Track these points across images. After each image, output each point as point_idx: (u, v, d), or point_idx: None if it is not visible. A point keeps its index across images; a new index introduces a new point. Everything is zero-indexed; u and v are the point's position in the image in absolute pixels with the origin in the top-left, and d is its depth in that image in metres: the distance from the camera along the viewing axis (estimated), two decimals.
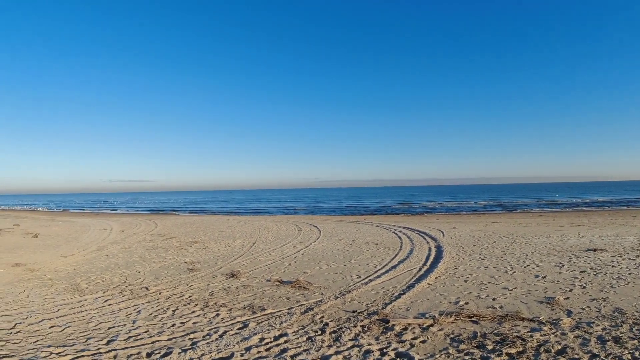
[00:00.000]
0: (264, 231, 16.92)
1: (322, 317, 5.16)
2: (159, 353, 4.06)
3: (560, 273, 7.57)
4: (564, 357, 3.84)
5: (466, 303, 5.66)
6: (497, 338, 4.24)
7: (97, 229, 20.47)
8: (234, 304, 5.86)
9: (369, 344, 4.18)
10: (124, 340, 4.48)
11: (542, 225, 18.14)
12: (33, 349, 4.20)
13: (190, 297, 6.39)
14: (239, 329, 4.78)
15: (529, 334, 4.37)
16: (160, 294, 6.66)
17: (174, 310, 5.59)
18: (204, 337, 4.50)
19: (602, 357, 3.79)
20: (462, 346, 4.09)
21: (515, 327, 4.60)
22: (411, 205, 51.12)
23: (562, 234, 13.97)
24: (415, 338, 4.33)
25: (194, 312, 5.52)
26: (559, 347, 4.04)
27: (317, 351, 4.07)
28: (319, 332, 4.55)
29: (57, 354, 4.06)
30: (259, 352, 4.08)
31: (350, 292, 6.44)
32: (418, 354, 3.93)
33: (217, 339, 4.40)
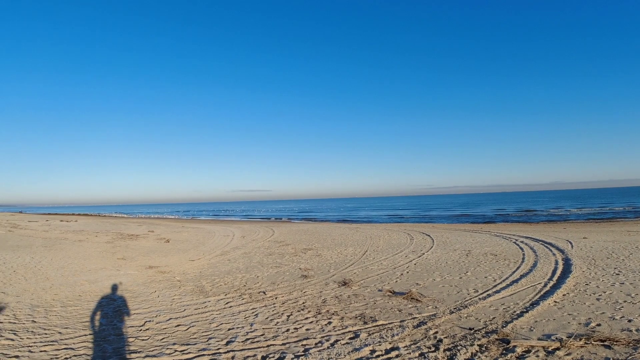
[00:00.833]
0: (375, 239, 19.08)
1: (436, 332, 5.63)
2: (273, 357, 4.75)
3: None
4: None
5: (598, 325, 5.84)
6: None
7: (221, 235, 23.86)
8: (345, 313, 6.71)
9: None
10: (242, 342, 5.35)
11: None
12: (159, 346, 5.40)
13: (304, 303, 7.52)
14: (350, 338, 5.45)
15: None
16: (276, 298, 7.95)
17: (288, 316, 6.65)
18: (316, 344, 5.26)
19: None
20: None
21: None
22: (534, 212, 54.17)
23: None
24: None
25: (307, 318, 6.48)
26: None
27: None
28: (432, 349, 4.98)
29: (180, 351, 5.09)
30: None
31: (466, 307, 6.93)
32: None
33: (328, 347, 5.10)
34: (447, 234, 21.13)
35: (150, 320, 6.48)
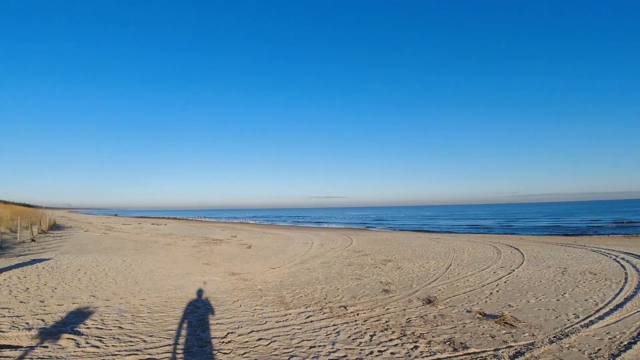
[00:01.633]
0: (459, 252, 18.09)
1: None
2: None
3: None
4: None
5: None
6: None
7: (300, 242, 23.92)
8: (432, 336, 6.20)
9: None
10: None
11: None
12: None
13: (387, 322, 7.04)
14: None
15: None
16: (357, 315, 7.54)
17: (371, 336, 6.24)
18: None
19: None
20: None
21: None
22: (634, 224, 49.17)
23: None
24: None
25: (391, 340, 6.04)
26: None
27: None
28: None
29: None
30: None
31: (567, 335, 6.26)
32: None
33: None
34: (537, 248, 19.62)
35: (232, 332, 6.32)
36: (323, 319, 7.09)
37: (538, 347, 5.60)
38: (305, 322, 6.90)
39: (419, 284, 10.48)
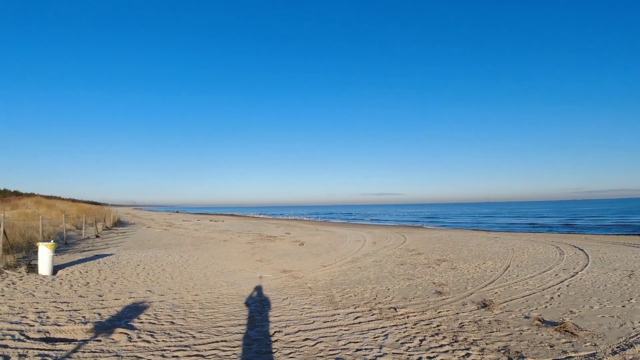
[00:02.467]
0: (518, 252, 17.35)
1: None
2: None
3: None
4: None
5: None
6: None
7: (352, 240, 23.76)
8: (486, 343, 5.89)
9: None
10: None
11: None
12: None
13: (438, 326, 6.79)
14: None
15: None
16: (407, 317, 7.34)
17: (421, 340, 6.01)
18: None
19: None
20: None
21: None
22: None
23: None
24: None
25: (441, 345, 5.78)
26: None
27: None
28: None
29: None
30: None
31: (631, 346, 5.81)
32: None
33: None
34: (603, 249, 18.36)
35: (279, 331, 6.32)
36: (372, 321, 6.91)
37: (600, 359, 5.23)
38: (353, 323, 6.76)
39: (475, 286, 10.10)
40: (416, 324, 6.80)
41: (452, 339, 5.97)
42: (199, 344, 5.52)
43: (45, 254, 10.00)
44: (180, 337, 5.82)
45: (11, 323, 5.94)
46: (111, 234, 24.81)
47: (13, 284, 8.62)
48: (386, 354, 5.27)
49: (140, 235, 25.13)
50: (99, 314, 6.82)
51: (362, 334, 6.19)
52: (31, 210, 24.65)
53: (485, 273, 12.04)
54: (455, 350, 5.50)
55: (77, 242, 18.25)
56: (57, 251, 13.18)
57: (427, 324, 6.77)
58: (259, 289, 9.65)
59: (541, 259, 15.08)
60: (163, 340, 5.59)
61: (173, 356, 5.01)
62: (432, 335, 6.14)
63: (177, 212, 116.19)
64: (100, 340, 5.43)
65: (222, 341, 5.69)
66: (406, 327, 6.55)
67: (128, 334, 5.73)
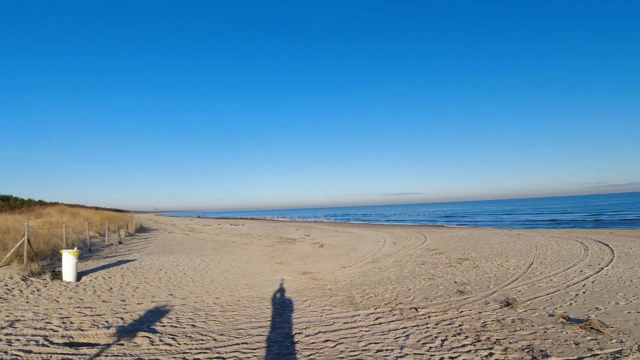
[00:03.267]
0: (542, 249, 17.16)
1: None
2: None
3: None
4: None
5: None
6: None
7: (372, 240, 23.68)
8: (509, 343, 5.79)
9: None
10: None
11: None
12: None
13: (460, 326, 6.71)
14: None
15: None
16: (429, 317, 7.29)
17: (442, 340, 5.94)
18: None
19: None
20: None
21: None
22: None
23: None
24: None
25: (464, 345, 5.70)
26: None
27: None
28: None
29: None
30: None
31: None
32: None
33: None
34: (629, 243, 18.00)
35: (299, 333, 6.32)
36: (392, 321, 6.87)
37: (626, 355, 5.11)
38: (374, 324, 6.72)
39: (497, 285, 9.97)
40: (438, 323, 6.74)
41: (475, 339, 5.89)
42: (220, 347, 5.56)
43: (69, 261, 10.23)
44: (202, 339, 5.88)
45: (35, 329, 6.08)
46: (134, 240, 25.23)
47: (38, 290, 8.84)
48: (407, 354, 5.22)
49: (162, 240, 25.50)
50: (122, 319, 6.93)
51: (383, 334, 6.15)
52: (55, 218, 25.25)
53: (508, 271, 11.88)
54: (478, 350, 5.43)
55: (100, 248, 18.63)
56: (80, 258, 13.47)
57: (449, 324, 6.70)
58: (279, 291, 9.69)
59: (565, 255, 14.89)
60: (184, 343, 5.66)
61: (194, 359, 5.06)
62: (454, 335, 6.07)
63: (199, 217, 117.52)
64: (122, 344, 5.52)
65: (242, 343, 5.72)
66: (427, 327, 6.49)
67: (150, 338, 5.82)
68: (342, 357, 5.20)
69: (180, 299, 8.73)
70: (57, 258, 12.88)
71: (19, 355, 4.90)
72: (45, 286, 9.29)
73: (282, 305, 8.20)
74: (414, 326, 6.58)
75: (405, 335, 6.06)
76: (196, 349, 5.45)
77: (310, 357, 5.25)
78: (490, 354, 5.25)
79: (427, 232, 30.38)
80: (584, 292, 8.90)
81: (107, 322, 6.68)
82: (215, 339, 5.90)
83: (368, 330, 6.38)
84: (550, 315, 7.15)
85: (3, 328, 6.02)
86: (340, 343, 5.78)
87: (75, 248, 10.84)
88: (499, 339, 5.86)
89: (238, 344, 5.71)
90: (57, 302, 7.98)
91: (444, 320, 6.95)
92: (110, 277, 10.95)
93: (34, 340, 5.51)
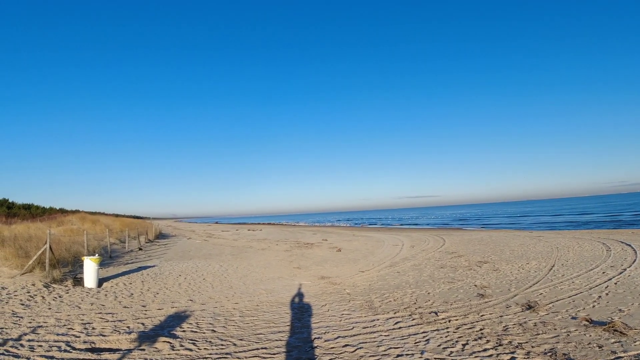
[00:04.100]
0: (563, 251, 16.95)
1: None
2: None
3: None
4: None
5: None
6: None
7: (390, 244, 23.56)
8: (532, 347, 5.70)
9: None
10: None
11: None
12: None
13: (481, 330, 6.63)
14: None
15: None
16: (449, 321, 7.21)
17: (463, 345, 5.88)
18: None
19: None
20: None
21: None
22: None
23: None
24: None
25: (485, 350, 5.62)
26: None
27: None
28: None
29: None
30: None
31: None
32: None
33: None
34: None
35: (319, 337, 6.31)
36: (412, 326, 6.80)
37: None
38: (394, 329, 6.67)
39: (518, 288, 9.79)
40: (458, 327, 6.65)
41: (496, 343, 5.80)
42: (240, 352, 5.59)
43: (90, 268, 10.41)
44: (222, 344, 5.92)
45: (57, 335, 6.20)
46: (153, 246, 25.56)
47: (60, 297, 9.01)
48: (428, 359, 5.17)
49: (181, 246, 25.78)
50: (143, 324, 7.02)
51: (403, 339, 6.09)
52: (76, 226, 25.74)
53: (529, 274, 11.68)
54: (500, 354, 5.35)
55: (121, 255, 18.92)
56: (101, 264, 13.70)
57: (469, 328, 6.61)
58: (297, 295, 9.70)
59: (587, 256, 14.62)
60: (205, 349, 5.70)
61: None
62: (475, 339, 5.98)
63: (217, 223, 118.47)
64: (144, 349, 5.59)
65: (262, 348, 5.74)
66: (448, 332, 6.41)
67: (171, 343, 5.88)
68: None
69: (200, 304, 8.80)
70: (78, 265, 13.13)
71: None
72: (67, 292, 9.47)
73: (300, 310, 8.20)
74: (434, 330, 6.51)
75: (426, 340, 6.00)
76: (216, 354, 5.49)
77: None
78: (513, 358, 5.17)
79: (445, 235, 30.12)
80: (606, 294, 8.75)
81: (128, 327, 6.78)
82: (235, 344, 5.93)
83: (388, 335, 6.33)
84: (573, 318, 7.04)
85: (26, 334, 6.15)
86: (360, 348, 5.75)
87: (97, 255, 11.01)
88: (521, 343, 5.77)
89: (258, 349, 5.73)
90: (79, 308, 8.13)
91: (464, 324, 6.87)
92: (131, 283, 11.11)
93: (56, 346, 5.61)
